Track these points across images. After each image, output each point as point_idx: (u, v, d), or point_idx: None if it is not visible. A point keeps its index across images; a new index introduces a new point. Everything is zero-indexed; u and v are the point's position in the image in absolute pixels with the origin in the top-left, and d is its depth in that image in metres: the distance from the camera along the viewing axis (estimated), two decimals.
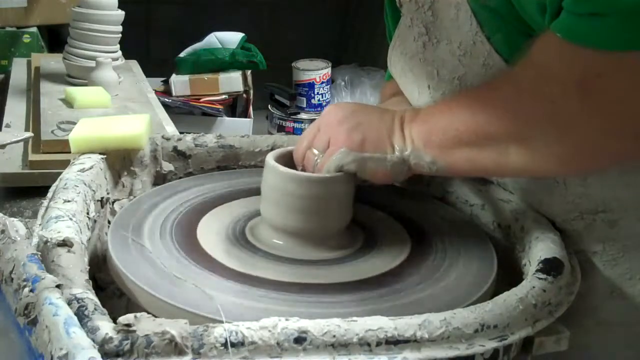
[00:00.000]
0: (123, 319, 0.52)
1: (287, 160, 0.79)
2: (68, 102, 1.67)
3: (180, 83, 2.81)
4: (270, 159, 0.77)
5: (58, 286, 0.55)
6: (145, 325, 0.52)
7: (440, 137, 0.73)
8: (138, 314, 0.53)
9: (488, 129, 0.70)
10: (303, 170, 0.79)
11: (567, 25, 0.63)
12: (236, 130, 2.62)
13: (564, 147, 0.67)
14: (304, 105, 3.21)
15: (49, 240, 0.64)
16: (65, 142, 0.89)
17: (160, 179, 0.91)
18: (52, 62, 2.01)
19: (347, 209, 0.77)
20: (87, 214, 0.74)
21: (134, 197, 0.86)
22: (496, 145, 0.70)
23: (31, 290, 0.54)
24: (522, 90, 0.68)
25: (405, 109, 0.79)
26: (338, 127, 0.76)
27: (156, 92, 2.25)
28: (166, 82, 2.87)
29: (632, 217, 0.76)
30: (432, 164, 0.74)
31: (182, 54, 2.87)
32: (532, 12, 0.68)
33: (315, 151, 0.77)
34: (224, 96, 2.84)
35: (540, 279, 0.66)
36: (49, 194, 0.77)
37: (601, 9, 0.60)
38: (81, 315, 0.53)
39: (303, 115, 3.16)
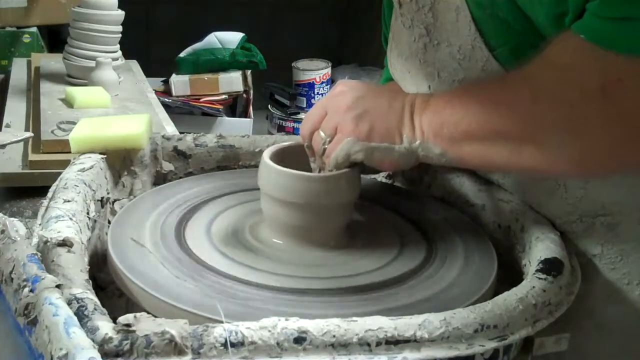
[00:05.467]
0: (123, 319, 0.52)
1: (284, 156, 0.78)
2: (68, 102, 1.67)
3: (180, 83, 2.81)
4: (266, 157, 0.77)
5: (58, 286, 0.55)
6: (144, 325, 0.52)
7: (452, 131, 0.72)
8: (138, 314, 0.53)
9: (502, 129, 0.69)
10: (309, 147, 0.79)
11: (593, 27, 0.62)
12: (236, 130, 2.63)
13: (579, 150, 0.67)
14: (304, 105, 3.22)
15: (49, 240, 0.63)
16: (65, 142, 0.89)
17: (160, 178, 0.91)
18: (52, 62, 2.02)
19: (347, 207, 0.77)
20: (87, 213, 0.74)
21: (134, 197, 0.86)
22: (509, 143, 0.69)
23: (31, 290, 0.54)
24: (539, 92, 0.67)
25: (415, 94, 0.78)
26: (346, 114, 0.75)
27: (156, 92, 2.25)
28: (166, 82, 2.87)
29: (631, 221, 0.76)
30: (441, 156, 0.74)
31: (182, 54, 2.88)
32: (544, 22, 0.67)
33: (323, 134, 0.77)
34: (224, 96, 2.84)
35: (540, 279, 0.66)
36: (49, 194, 0.76)
37: (630, 13, 0.60)
38: (81, 315, 0.53)
39: (303, 115, 3.15)
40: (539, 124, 0.67)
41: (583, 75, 0.64)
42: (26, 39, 2.39)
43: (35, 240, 0.66)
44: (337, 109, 0.76)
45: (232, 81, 2.84)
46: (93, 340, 0.50)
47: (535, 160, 0.69)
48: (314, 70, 3.23)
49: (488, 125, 0.70)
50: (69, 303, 0.54)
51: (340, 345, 0.55)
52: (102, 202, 0.81)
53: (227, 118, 2.88)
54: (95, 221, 0.76)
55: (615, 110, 0.63)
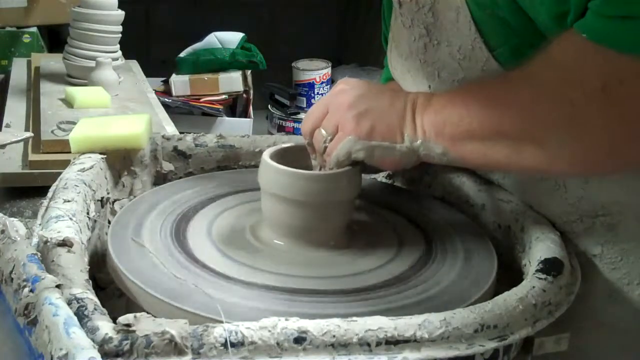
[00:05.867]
0: (123, 319, 0.52)
1: (284, 157, 0.78)
2: (68, 102, 1.67)
3: (180, 83, 2.81)
4: (266, 156, 0.77)
5: (58, 286, 0.55)
6: (144, 325, 0.52)
7: (453, 130, 0.72)
8: (138, 314, 0.53)
9: (503, 128, 0.69)
10: (310, 145, 0.79)
11: (595, 27, 0.62)
12: (236, 130, 2.63)
13: (580, 150, 0.67)
14: (304, 105, 3.21)
15: (49, 240, 0.63)
16: (65, 142, 0.89)
17: (160, 178, 0.91)
18: (52, 62, 2.02)
19: (347, 206, 0.77)
20: (87, 213, 0.74)
21: (134, 197, 0.86)
22: (510, 143, 0.69)
23: (31, 290, 0.54)
24: (541, 92, 0.67)
25: (417, 93, 0.78)
26: (347, 112, 0.75)
27: (156, 92, 2.25)
28: (166, 82, 2.87)
29: (631, 221, 0.76)
30: (443, 155, 0.74)
31: (182, 54, 2.87)
32: (546, 21, 0.67)
33: (324, 132, 0.77)
34: (224, 96, 2.84)
35: (540, 279, 0.66)
36: (49, 194, 0.76)
37: (632, 12, 0.59)
38: (81, 315, 0.53)
39: (303, 115, 3.15)
40: (539, 123, 0.67)
41: (584, 75, 0.64)
42: (26, 39, 2.39)
43: (35, 240, 0.66)
44: (338, 107, 0.76)
45: (232, 81, 2.84)
46: (93, 340, 0.50)
47: (536, 160, 0.69)
48: (314, 70, 3.23)
49: (489, 124, 0.70)
50: (69, 303, 0.54)
51: (340, 345, 0.55)
52: (102, 202, 0.81)
53: (227, 118, 2.88)
54: (95, 221, 0.76)
55: (617, 110, 0.63)
